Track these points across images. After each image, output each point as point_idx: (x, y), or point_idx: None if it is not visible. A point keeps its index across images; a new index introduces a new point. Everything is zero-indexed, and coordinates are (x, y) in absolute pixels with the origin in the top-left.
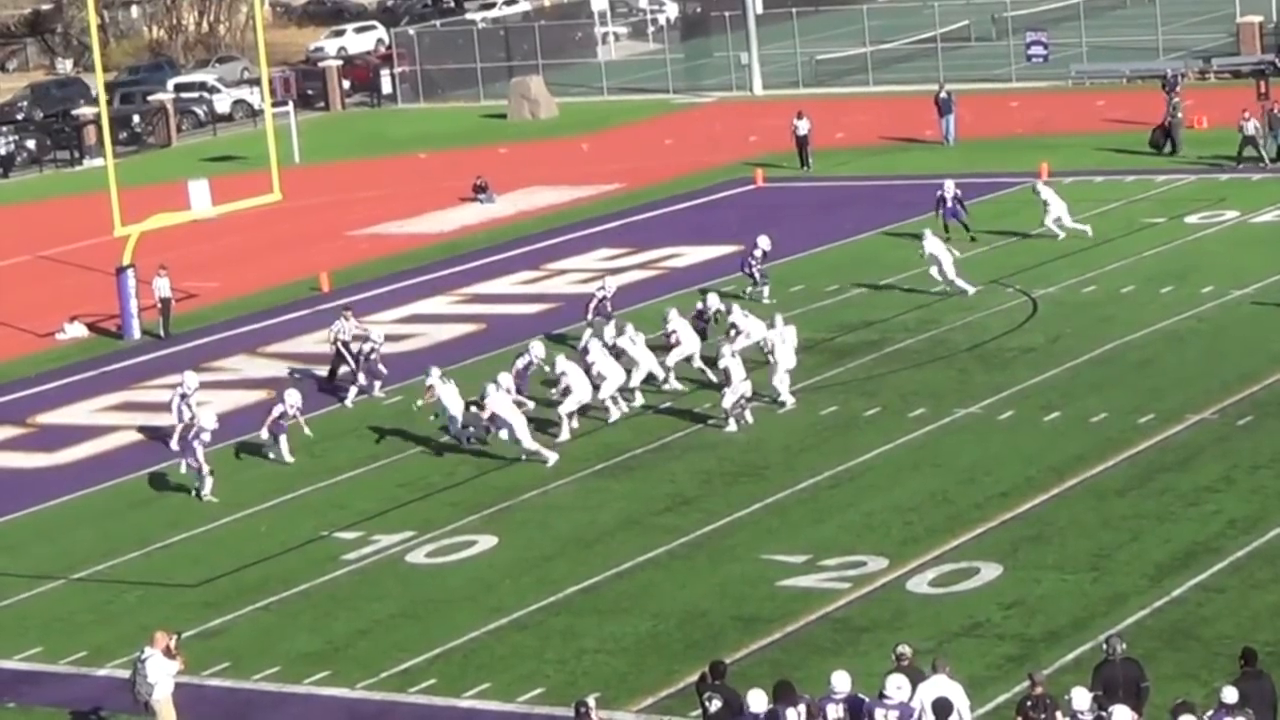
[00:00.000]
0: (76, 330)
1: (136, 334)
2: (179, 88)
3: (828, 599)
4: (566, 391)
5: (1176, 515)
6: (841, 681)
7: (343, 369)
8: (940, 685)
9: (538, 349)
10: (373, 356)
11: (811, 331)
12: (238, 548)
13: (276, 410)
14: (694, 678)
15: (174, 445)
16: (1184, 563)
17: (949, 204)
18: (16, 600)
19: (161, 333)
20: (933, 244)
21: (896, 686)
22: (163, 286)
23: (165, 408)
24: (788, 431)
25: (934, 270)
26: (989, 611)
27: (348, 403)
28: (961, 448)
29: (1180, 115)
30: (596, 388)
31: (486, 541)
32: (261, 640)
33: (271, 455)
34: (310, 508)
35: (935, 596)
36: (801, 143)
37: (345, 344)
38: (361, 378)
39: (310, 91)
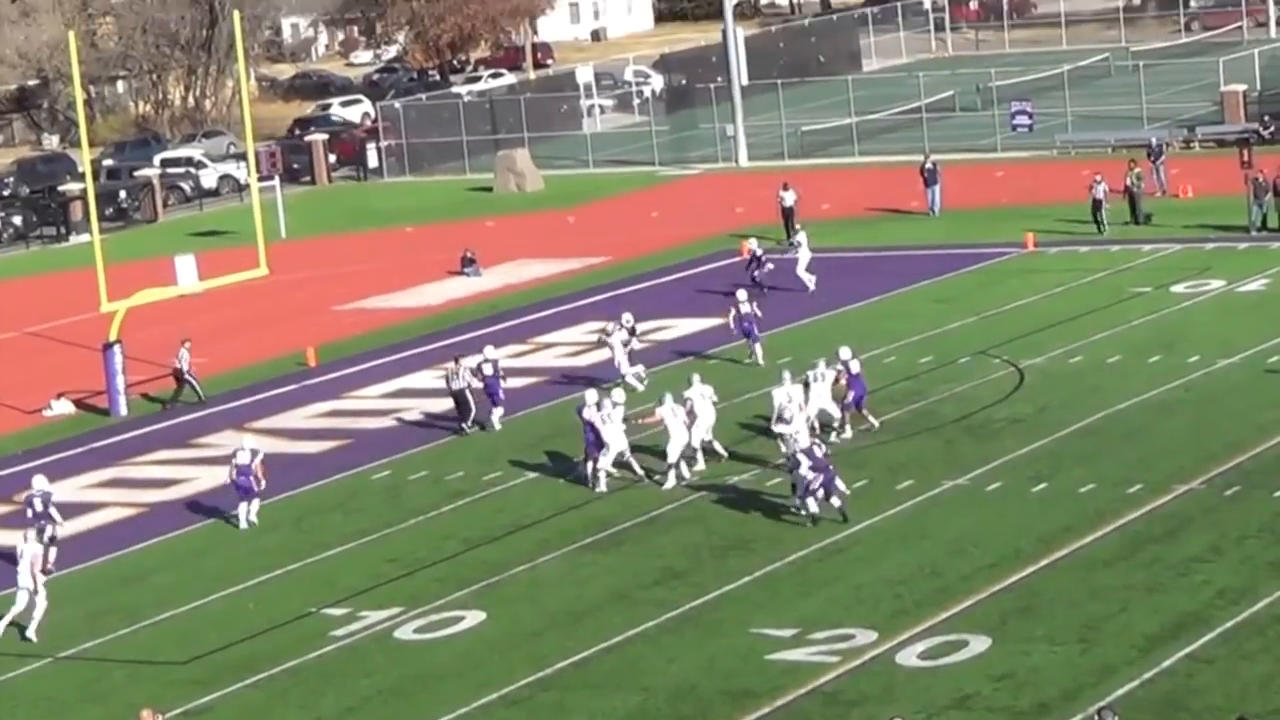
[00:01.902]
0: (63, 407)
1: (124, 410)
2: (165, 163)
3: (817, 672)
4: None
5: (1165, 586)
6: None
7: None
8: None
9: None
10: (499, 374)
11: None
12: (225, 625)
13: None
14: None
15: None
16: (1173, 633)
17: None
18: (4, 679)
19: (164, 403)
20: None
21: None
22: (183, 359)
23: (155, 484)
24: (775, 503)
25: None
26: (979, 684)
27: (495, 425)
28: (949, 519)
29: (1141, 184)
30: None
31: (475, 617)
32: (250, 718)
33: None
34: (298, 584)
35: (925, 669)
36: (788, 214)
37: (460, 390)
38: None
39: (296, 166)
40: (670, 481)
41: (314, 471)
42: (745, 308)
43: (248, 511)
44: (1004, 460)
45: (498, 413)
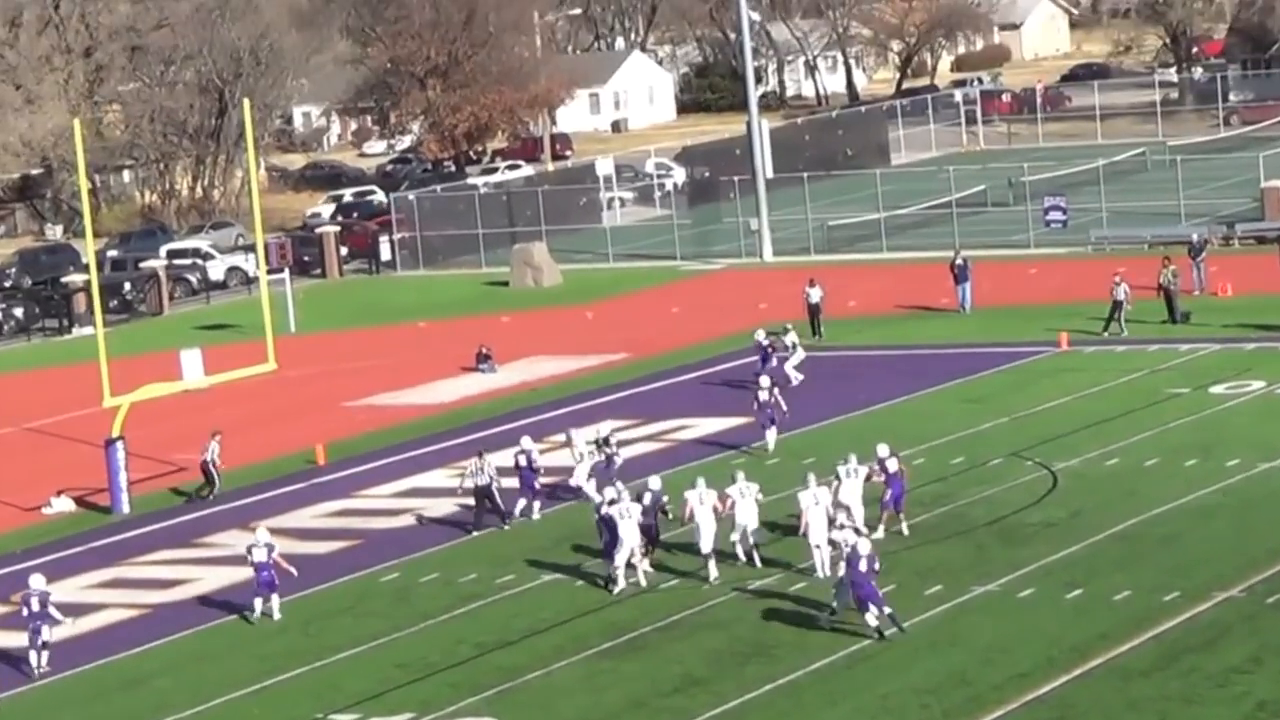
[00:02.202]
0: (64, 504)
1: (126, 508)
2: (172, 254)
3: None
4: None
5: (1204, 697)
6: None
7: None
8: None
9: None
10: (535, 466)
11: None
12: None
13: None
14: None
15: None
16: None
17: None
18: None
19: (190, 496)
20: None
21: None
22: (212, 451)
23: (157, 584)
24: (800, 609)
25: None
26: None
27: (532, 515)
28: (980, 626)
29: (1176, 281)
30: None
31: None
32: None
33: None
34: (304, 689)
35: None
36: (813, 311)
37: (486, 486)
38: (521, 500)
39: (307, 258)
40: (714, 572)
41: (322, 573)
42: (765, 395)
43: (268, 606)
44: (1037, 565)
45: (536, 505)
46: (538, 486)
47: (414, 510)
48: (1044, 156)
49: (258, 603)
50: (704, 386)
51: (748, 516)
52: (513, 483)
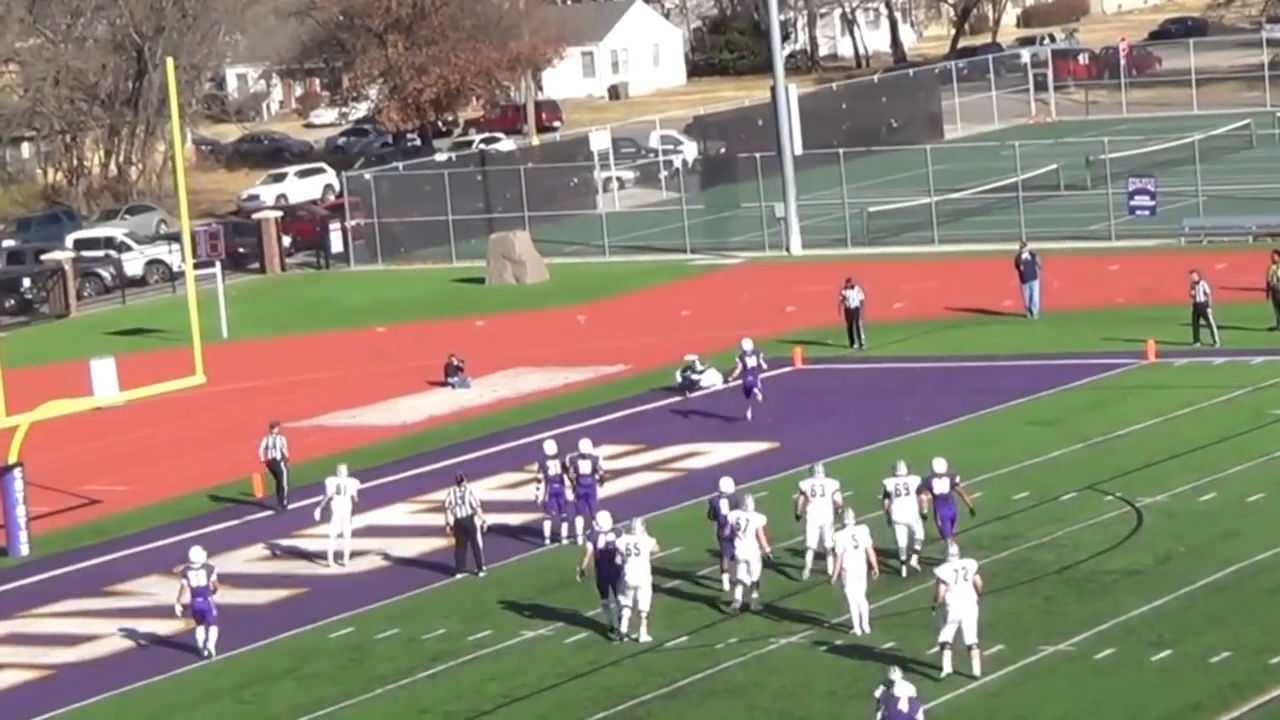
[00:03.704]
0: None
1: (24, 549)
2: (80, 244)
3: None
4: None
5: None
6: None
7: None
8: None
9: None
10: (599, 475)
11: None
12: None
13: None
14: None
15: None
16: None
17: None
18: None
19: (281, 502)
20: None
21: None
22: (278, 445)
23: (61, 641)
24: (832, 674)
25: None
26: None
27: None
28: (1049, 694)
29: None
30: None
31: None
32: None
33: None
34: None
35: None
36: (852, 316)
37: (464, 519)
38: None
39: (243, 250)
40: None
41: (260, 628)
42: (751, 360)
43: (205, 639)
44: (1117, 621)
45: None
46: (596, 500)
47: (371, 551)
48: (1128, 130)
49: (199, 634)
50: (718, 405)
51: (820, 515)
52: (494, 520)
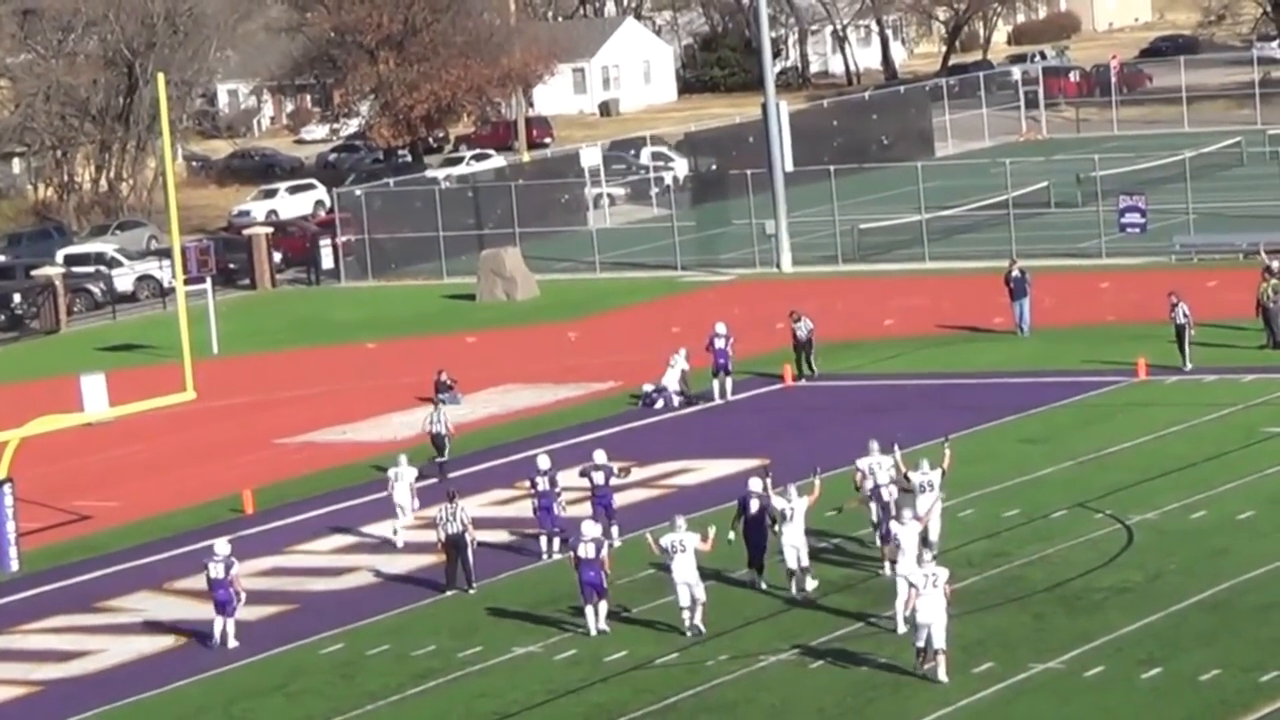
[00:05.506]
0: None
1: (14, 565)
2: (71, 260)
3: None
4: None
5: None
6: None
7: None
8: None
9: None
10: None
11: (851, 567)
12: None
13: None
14: None
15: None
16: None
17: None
18: None
19: (441, 460)
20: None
21: None
22: (442, 419)
23: (50, 657)
24: (821, 692)
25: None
26: None
27: (613, 542)
28: (1039, 712)
29: (1278, 299)
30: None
31: None
32: None
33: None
34: None
35: None
36: (802, 347)
37: (455, 536)
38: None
39: (233, 265)
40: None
41: (249, 644)
42: (721, 342)
43: (222, 629)
44: (1107, 639)
45: (615, 530)
46: (614, 507)
47: (361, 568)
48: (1119, 147)
49: (216, 624)
50: (710, 421)
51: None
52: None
